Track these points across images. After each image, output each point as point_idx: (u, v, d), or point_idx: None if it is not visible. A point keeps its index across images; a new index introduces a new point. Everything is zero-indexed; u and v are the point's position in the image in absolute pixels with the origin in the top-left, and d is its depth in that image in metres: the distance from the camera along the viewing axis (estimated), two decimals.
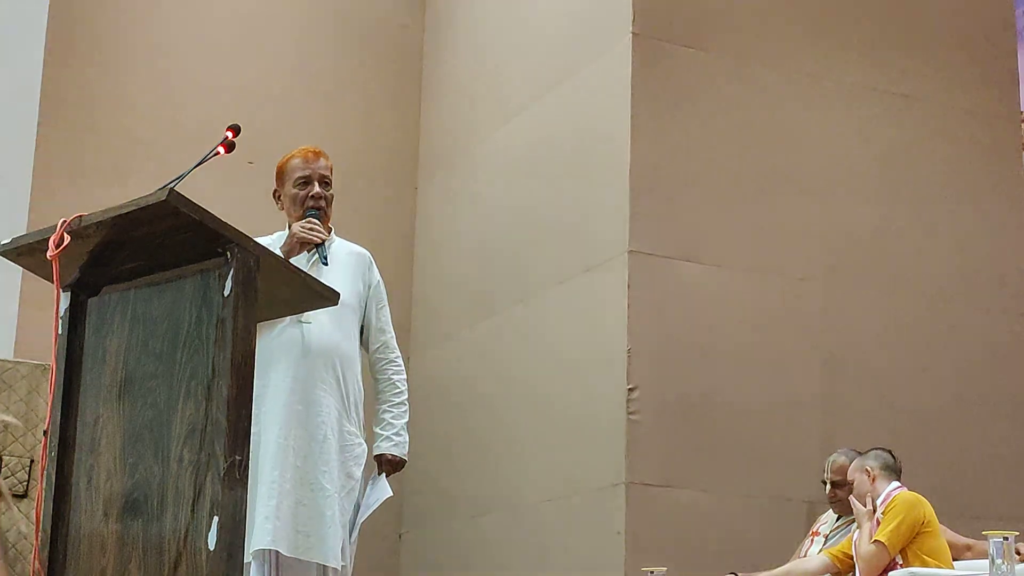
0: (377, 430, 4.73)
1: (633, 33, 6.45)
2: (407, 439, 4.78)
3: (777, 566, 5.94)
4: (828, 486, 5.85)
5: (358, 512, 4.62)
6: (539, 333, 6.84)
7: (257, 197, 7.34)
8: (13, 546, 5.62)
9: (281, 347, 4.46)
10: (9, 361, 5.90)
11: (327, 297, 3.05)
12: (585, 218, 6.61)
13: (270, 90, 7.94)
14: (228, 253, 2.81)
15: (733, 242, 6.52)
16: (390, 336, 4.81)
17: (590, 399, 6.34)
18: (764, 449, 6.34)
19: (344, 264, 4.69)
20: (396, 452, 4.71)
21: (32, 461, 5.65)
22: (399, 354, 4.86)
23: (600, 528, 6.13)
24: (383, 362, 4.78)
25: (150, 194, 2.85)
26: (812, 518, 6.22)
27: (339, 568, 4.44)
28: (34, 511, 3.00)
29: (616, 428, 6.13)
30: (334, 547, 4.40)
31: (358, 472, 4.59)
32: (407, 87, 8.39)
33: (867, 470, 5.51)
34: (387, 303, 4.85)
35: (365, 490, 4.66)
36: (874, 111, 6.96)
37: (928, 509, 5.35)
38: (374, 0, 8.40)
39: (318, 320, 4.51)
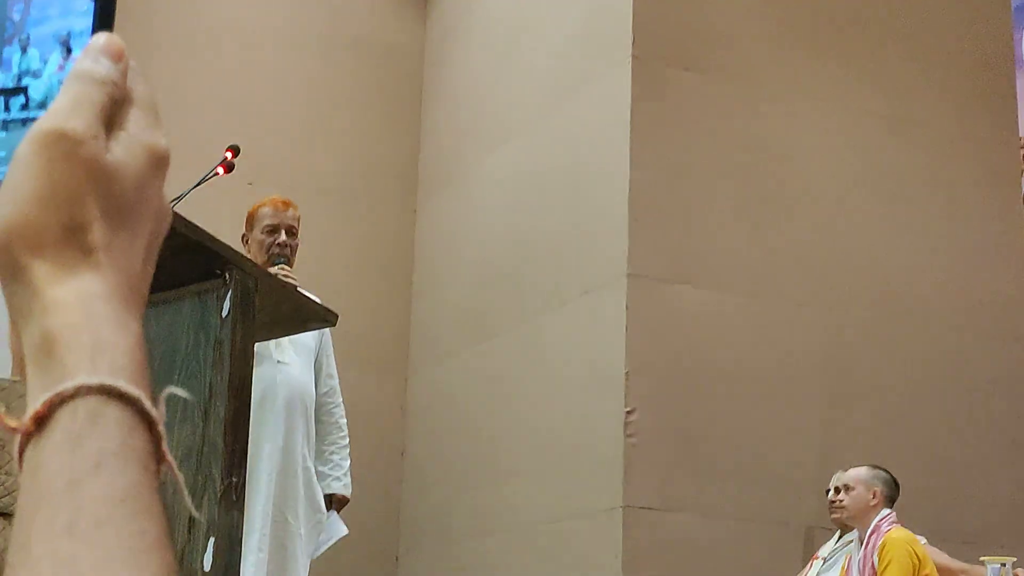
0: (324, 470, 4.96)
1: (633, 56, 6.46)
2: (350, 480, 5.06)
3: None
4: (835, 492, 5.78)
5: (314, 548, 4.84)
6: (537, 355, 6.83)
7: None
8: (10, 564, 5.61)
9: (263, 387, 4.56)
10: (6, 380, 5.90)
11: (326, 319, 3.04)
12: (583, 240, 6.61)
13: (269, 111, 7.95)
14: (227, 274, 2.81)
15: (732, 266, 6.52)
16: (336, 381, 5.09)
17: (588, 422, 6.32)
18: (763, 473, 6.33)
19: None
20: (345, 492, 5.01)
21: None
22: (342, 399, 5.14)
23: (597, 552, 6.11)
24: (331, 405, 5.04)
25: None
26: (811, 542, 6.21)
27: None
28: None
29: (614, 451, 6.11)
30: None
31: (323, 505, 4.76)
32: (406, 109, 8.40)
33: (875, 492, 5.51)
34: (332, 351, 5.13)
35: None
36: (875, 135, 6.97)
37: (919, 547, 5.36)
38: (374, 21, 8.41)
39: (293, 362, 4.75)
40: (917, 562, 5.28)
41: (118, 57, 0.70)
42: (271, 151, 7.75)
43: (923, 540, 5.53)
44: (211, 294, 2.83)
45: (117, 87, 0.70)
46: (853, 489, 5.68)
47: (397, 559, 7.75)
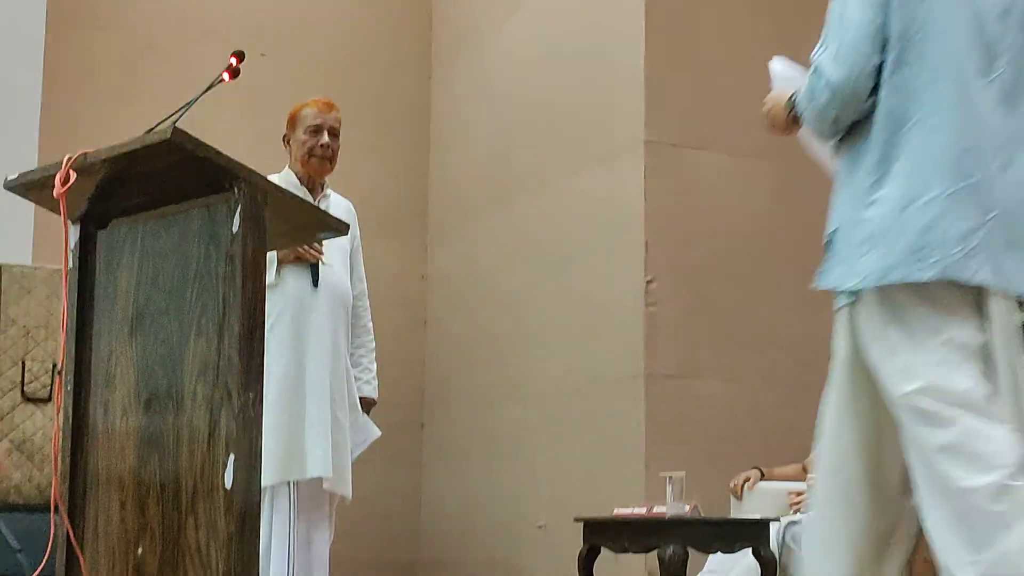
0: (355, 372, 5.03)
1: None
2: (377, 383, 5.18)
3: (799, 455, 6.00)
4: None
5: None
6: (556, 224, 6.82)
7: (269, 88, 7.27)
8: (40, 449, 5.69)
9: (309, 288, 4.67)
10: (27, 266, 5.93)
11: (337, 228, 3.04)
12: (601, 106, 6.55)
13: None
14: (235, 188, 2.78)
15: (750, 130, 6.43)
16: (365, 284, 5.16)
17: (608, 290, 6.33)
18: (783, 337, 6.34)
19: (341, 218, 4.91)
20: (374, 395, 5.13)
21: (54, 364, 5.71)
22: (368, 302, 5.23)
23: (620, 419, 6.17)
24: (361, 308, 5.13)
25: (154, 130, 2.82)
26: None
27: (349, 498, 4.70)
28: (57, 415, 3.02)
29: (634, 319, 6.13)
30: (347, 479, 4.67)
31: (359, 405, 4.94)
32: None
33: None
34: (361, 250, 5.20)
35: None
36: None
37: None
38: None
39: (333, 262, 4.81)
40: None
41: None
42: (285, 21, 7.67)
43: None
44: (220, 208, 2.81)
45: None
46: None
47: (422, 426, 7.84)
